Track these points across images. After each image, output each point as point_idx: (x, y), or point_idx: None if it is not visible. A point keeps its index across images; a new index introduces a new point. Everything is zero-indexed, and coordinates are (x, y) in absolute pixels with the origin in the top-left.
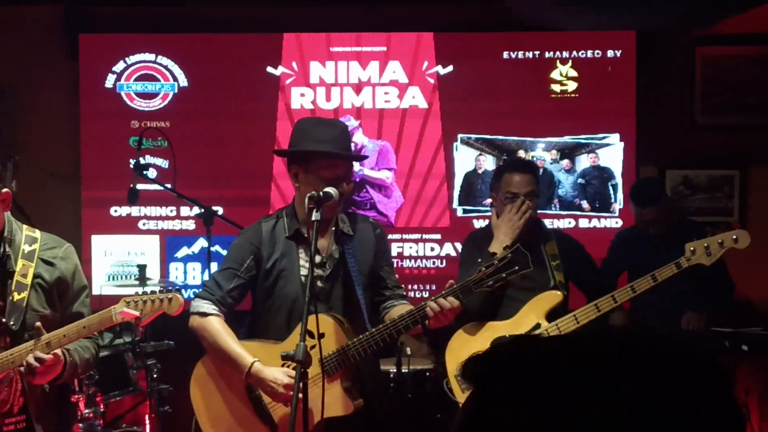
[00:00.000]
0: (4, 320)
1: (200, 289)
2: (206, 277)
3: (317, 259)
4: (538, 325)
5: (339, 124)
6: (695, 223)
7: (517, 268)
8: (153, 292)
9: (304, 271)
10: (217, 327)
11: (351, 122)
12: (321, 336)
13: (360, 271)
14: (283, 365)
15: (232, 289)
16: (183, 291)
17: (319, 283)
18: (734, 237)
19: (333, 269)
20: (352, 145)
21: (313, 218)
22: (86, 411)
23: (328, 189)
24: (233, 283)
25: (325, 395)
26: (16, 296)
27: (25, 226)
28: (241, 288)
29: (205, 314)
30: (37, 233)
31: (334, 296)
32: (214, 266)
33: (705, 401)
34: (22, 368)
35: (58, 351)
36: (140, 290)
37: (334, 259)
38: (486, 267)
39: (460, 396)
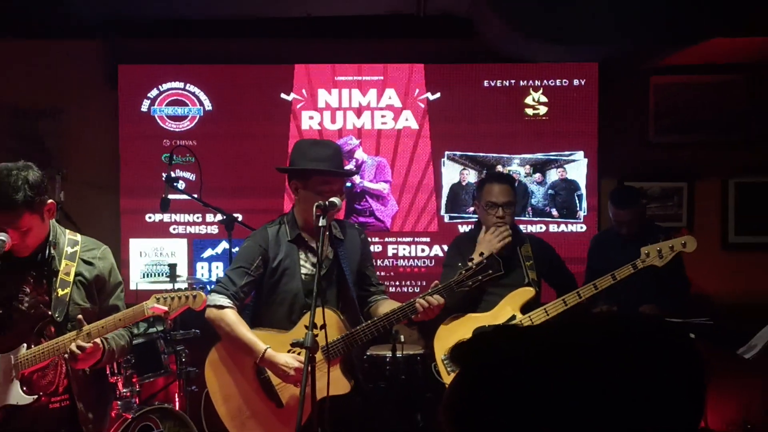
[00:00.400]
0: (49, 313)
1: (214, 285)
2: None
3: (315, 260)
4: (513, 317)
5: (333, 145)
6: (660, 228)
7: (491, 272)
8: (180, 290)
9: (304, 270)
10: (233, 318)
11: (353, 141)
12: (323, 327)
13: (350, 270)
14: (289, 351)
15: (244, 285)
16: (207, 287)
17: None
18: (683, 242)
19: (328, 269)
20: (353, 161)
21: (320, 224)
22: (124, 390)
23: (333, 199)
24: (245, 280)
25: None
26: (60, 292)
27: (67, 231)
28: (251, 284)
29: (221, 307)
30: (78, 237)
31: (329, 292)
32: None
33: (676, 370)
34: (66, 355)
35: (98, 339)
36: (171, 286)
37: (329, 260)
38: (465, 270)
39: (446, 378)
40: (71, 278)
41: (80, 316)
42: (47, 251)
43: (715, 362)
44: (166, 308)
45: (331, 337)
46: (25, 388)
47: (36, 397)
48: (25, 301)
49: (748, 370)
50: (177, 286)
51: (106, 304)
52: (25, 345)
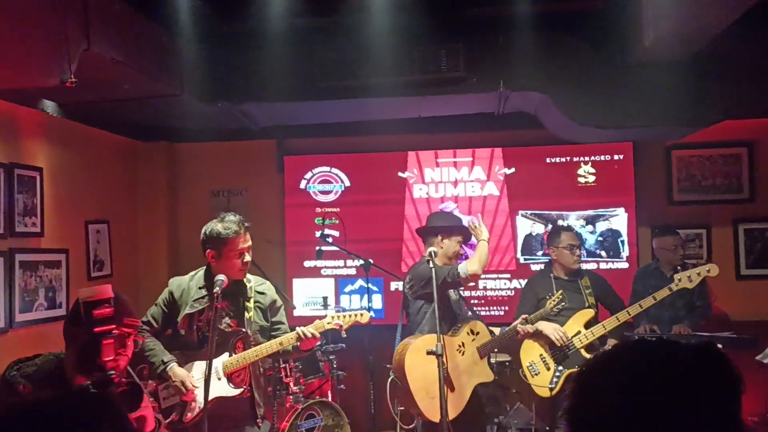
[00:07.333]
0: (243, 330)
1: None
2: (364, 303)
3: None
4: (579, 332)
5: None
6: (686, 264)
7: (564, 304)
8: (349, 310)
9: (453, 296)
10: None
11: (451, 205)
12: (477, 333)
13: None
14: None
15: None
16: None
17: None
18: (708, 269)
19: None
20: None
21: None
22: (294, 388)
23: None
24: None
25: (480, 368)
26: (246, 315)
27: None
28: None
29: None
30: (251, 276)
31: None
32: (374, 298)
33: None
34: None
35: (318, 333)
36: (324, 314)
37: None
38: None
39: (530, 379)
40: (252, 305)
41: (300, 330)
42: (243, 288)
43: (739, 366)
44: (341, 323)
45: (481, 341)
46: (232, 384)
47: (242, 389)
48: (224, 323)
49: (766, 371)
50: (327, 312)
51: (275, 318)
52: (227, 353)
